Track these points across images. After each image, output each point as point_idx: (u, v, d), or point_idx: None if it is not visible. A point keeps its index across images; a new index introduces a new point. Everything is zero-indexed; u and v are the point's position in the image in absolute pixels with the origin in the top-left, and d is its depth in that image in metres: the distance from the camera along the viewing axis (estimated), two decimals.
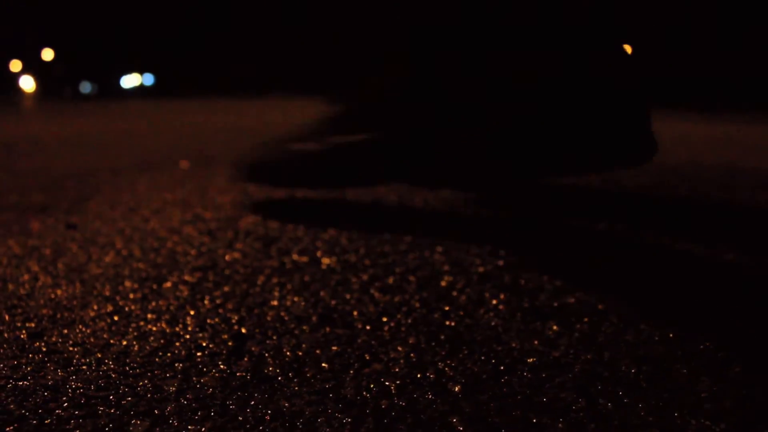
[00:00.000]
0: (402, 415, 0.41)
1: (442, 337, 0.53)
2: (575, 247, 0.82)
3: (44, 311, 0.59)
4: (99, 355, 0.49)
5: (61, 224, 0.93)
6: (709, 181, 1.37)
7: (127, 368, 0.47)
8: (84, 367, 0.47)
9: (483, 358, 0.50)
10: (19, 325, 0.55)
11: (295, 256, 0.76)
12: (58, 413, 0.41)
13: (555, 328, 0.56)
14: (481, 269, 0.72)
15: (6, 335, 0.53)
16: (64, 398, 0.43)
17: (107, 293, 0.64)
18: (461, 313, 0.59)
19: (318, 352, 0.50)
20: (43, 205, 1.07)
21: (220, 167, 1.51)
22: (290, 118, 3.18)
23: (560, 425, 0.40)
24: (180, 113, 4.13)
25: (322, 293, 0.63)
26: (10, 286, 0.65)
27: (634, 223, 0.95)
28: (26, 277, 0.69)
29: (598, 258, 0.77)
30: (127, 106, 5.86)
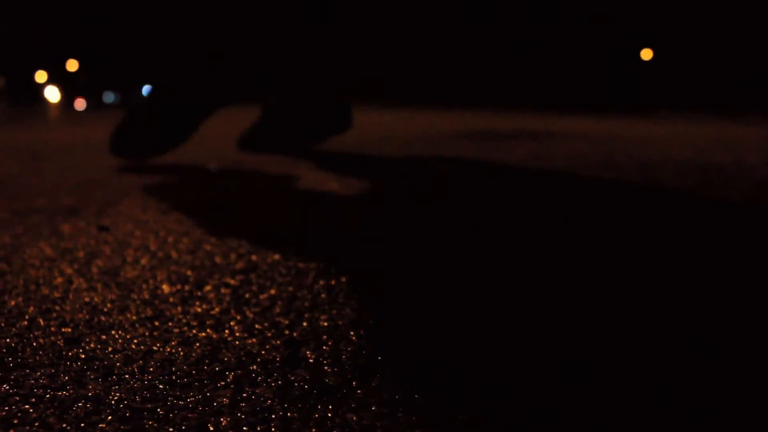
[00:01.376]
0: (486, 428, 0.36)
1: (511, 343, 0.49)
2: (612, 247, 0.77)
3: (80, 315, 0.55)
4: (141, 363, 0.45)
5: (93, 227, 0.90)
6: (754, 181, 1.31)
7: (174, 377, 0.43)
8: (126, 376, 0.43)
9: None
10: (54, 330, 0.52)
11: (341, 257, 0.72)
12: (102, 427, 0.37)
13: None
14: (523, 270, 0.67)
15: (42, 341, 0.49)
16: (108, 410, 0.39)
17: (145, 297, 0.60)
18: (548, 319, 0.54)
19: (380, 358, 0.46)
20: (73, 208, 1.04)
21: (247, 169, 1.47)
22: None
23: None
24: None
25: (375, 297, 0.59)
26: (44, 290, 0.62)
27: (687, 223, 0.90)
28: (60, 280, 0.65)
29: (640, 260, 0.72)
30: None
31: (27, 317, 0.55)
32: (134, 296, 0.60)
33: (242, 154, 1.78)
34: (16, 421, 0.37)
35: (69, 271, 0.68)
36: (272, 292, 0.60)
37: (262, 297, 0.59)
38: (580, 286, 0.62)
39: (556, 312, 0.55)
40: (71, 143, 2.41)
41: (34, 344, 0.49)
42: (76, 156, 1.89)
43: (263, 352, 0.47)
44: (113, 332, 0.51)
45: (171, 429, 0.36)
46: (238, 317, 0.54)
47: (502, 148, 1.91)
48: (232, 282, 0.64)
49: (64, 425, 0.37)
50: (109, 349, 0.48)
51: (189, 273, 0.67)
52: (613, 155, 1.75)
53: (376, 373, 0.43)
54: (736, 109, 4.87)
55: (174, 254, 0.75)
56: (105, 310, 0.57)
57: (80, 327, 0.53)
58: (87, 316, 0.55)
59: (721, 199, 1.08)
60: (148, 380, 0.43)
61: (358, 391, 0.41)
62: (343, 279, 0.64)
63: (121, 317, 0.55)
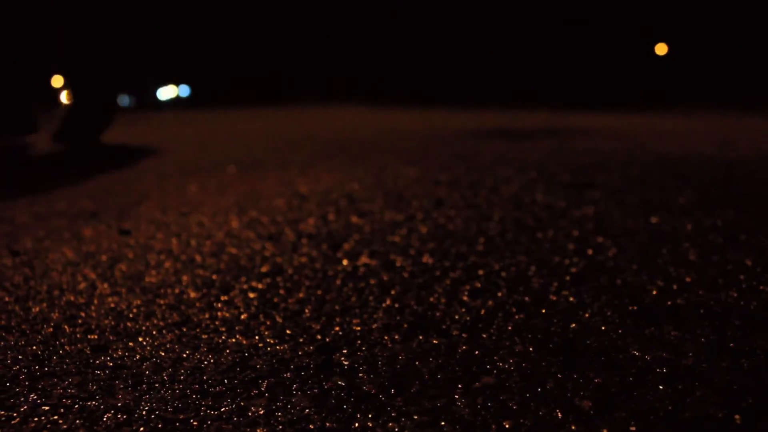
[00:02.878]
0: None
1: (551, 345, 0.47)
2: (657, 243, 0.75)
3: (106, 322, 0.54)
4: (171, 371, 0.44)
5: (114, 230, 0.89)
6: None
7: (205, 386, 0.42)
8: (156, 384, 0.42)
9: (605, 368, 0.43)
10: (80, 337, 0.51)
11: (365, 260, 0.70)
12: None
13: (674, 333, 0.49)
14: (573, 270, 0.65)
15: (68, 348, 0.48)
16: (139, 421, 0.37)
17: (171, 302, 0.58)
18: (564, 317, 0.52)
19: (417, 364, 0.44)
20: (92, 211, 1.03)
21: (268, 171, 1.46)
22: (327, 124, 3.14)
23: None
24: (220, 121, 4.12)
25: (405, 299, 0.58)
26: (69, 296, 0.61)
27: (720, 218, 0.88)
28: (83, 285, 0.64)
29: (691, 256, 0.70)
30: (167, 117, 5.89)
31: (52, 324, 0.53)
32: (160, 301, 0.59)
33: (262, 156, 1.77)
34: None
35: (92, 275, 0.67)
36: (300, 295, 0.59)
37: (290, 301, 0.58)
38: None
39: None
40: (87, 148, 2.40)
41: (61, 352, 0.48)
42: (95, 159, 1.89)
43: (296, 359, 0.45)
44: (140, 339, 0.50)
45: None
46: (268, 322, 0.52)
47: (521, 146, 1.89)
48: (259, 286, 0.62)
49: None
50: (138, 356, 0.47)
51: (214, 277, 0.66)
52: (634, 150, 1.72)
53: (414, 380, 0.42)
54: (757, 101, 4.81)
55: (198, 258, 0.73)
56: (131, 315, 0.55)
57: (106, 333, 0.51)
58: (113, 323, 0.54)
59: (748, 194, 1.05)
60: (179, 389, 0.41)
61: (398, 399, 0.39)
62: (373, 281, 0.63)
63: (147, 323, 0.53)
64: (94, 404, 0.40)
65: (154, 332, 0.51)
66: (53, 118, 2.07)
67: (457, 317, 0.52)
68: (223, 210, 1.01)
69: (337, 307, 0.55)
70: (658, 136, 2.19)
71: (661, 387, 0.41)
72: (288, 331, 0.50)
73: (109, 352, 0.48)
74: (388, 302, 0.56)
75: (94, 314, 0.56)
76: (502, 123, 3.03)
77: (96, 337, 0.51)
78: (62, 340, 0.50)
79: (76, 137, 2.04)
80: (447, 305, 0.55)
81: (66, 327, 0.53)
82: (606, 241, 0.76)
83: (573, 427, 0.36)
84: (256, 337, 0.49)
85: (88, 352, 0.48)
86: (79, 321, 0.54)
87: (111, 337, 0.51)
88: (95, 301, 0.59)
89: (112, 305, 0.58)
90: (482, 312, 0.54)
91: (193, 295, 0.60)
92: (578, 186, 1.15)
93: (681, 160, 1.49)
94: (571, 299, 0.57)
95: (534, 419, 0.37)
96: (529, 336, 0.49)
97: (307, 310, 0.55)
